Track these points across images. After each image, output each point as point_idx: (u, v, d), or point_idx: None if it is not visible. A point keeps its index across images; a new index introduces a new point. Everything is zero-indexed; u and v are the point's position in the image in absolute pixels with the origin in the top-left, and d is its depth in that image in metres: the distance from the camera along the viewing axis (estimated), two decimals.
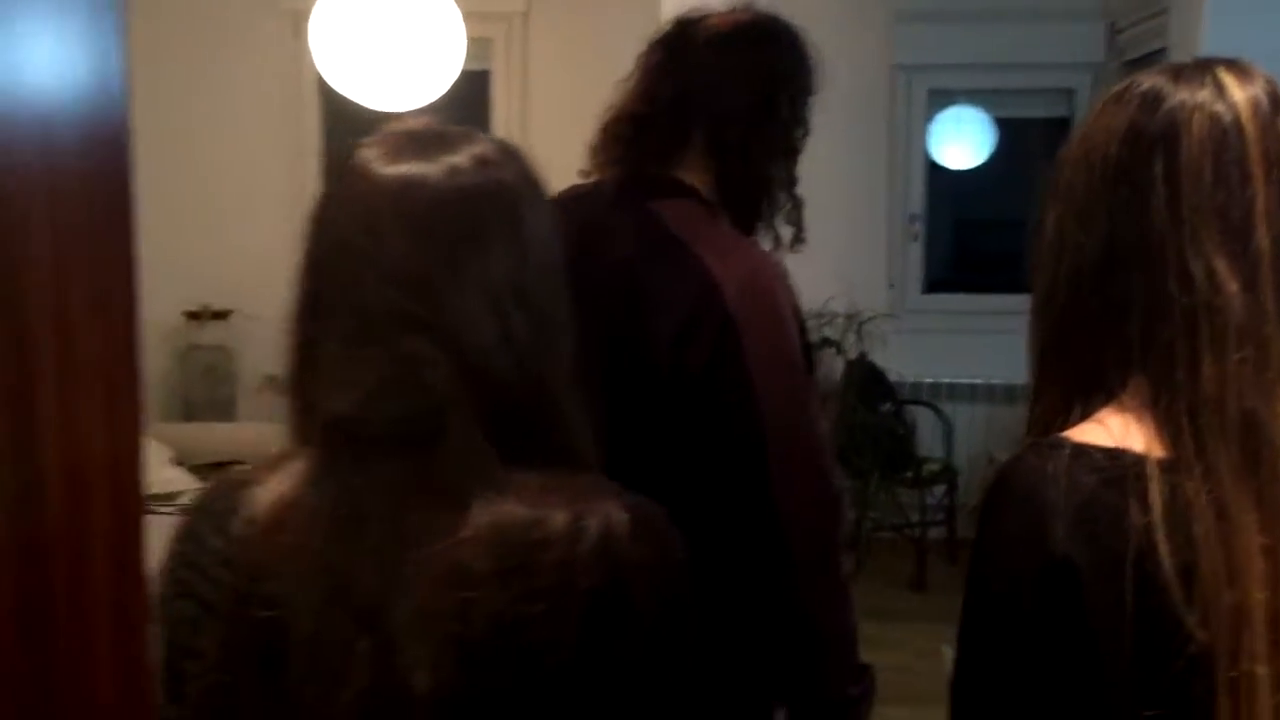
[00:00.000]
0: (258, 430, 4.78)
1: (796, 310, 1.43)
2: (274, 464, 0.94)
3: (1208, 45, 4.05)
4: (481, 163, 0.92)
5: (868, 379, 4.66)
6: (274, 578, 0.87)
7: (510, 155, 0.96)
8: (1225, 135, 0.90)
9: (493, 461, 0.87)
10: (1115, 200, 0.92)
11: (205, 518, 0.95)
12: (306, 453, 0.91)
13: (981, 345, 5.19)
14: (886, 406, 4.82)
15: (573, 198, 1.50)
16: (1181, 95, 0.92)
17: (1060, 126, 5.39)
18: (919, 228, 5.28)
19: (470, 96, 5.35)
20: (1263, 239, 0.88)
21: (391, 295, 0.88)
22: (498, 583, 0.84)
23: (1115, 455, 0.87)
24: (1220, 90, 0.91)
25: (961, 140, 5.38)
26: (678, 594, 0.90)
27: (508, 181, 0.93)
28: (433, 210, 0.89)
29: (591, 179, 1.55)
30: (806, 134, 1.52)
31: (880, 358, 4.86)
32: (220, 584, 0.91)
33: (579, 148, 5.66)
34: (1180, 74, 0.94)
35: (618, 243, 1.42)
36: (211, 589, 0.91)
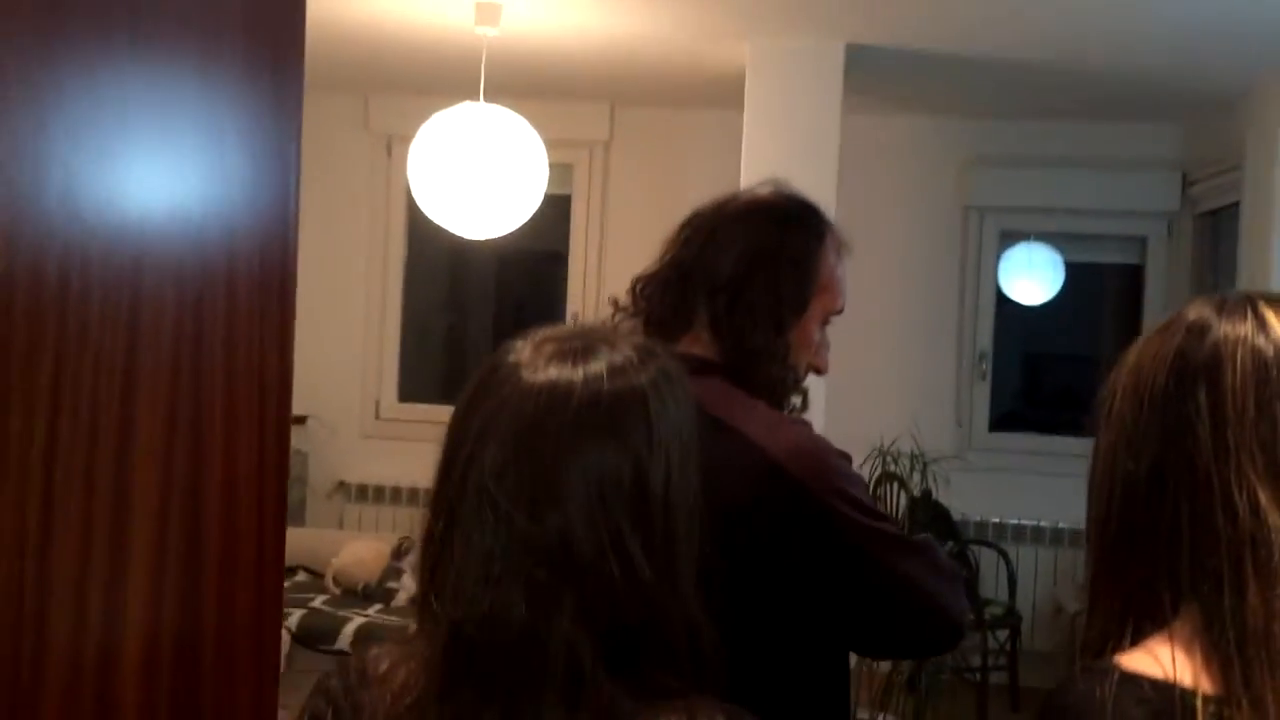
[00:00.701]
0: (324, 536, 4.85)
1: (854, 471, 1.49)
2: (400, 652, 0.98)
3: None
4: (619, 371, 0.97)
5: (932, 518, 4.63)
6: None
7: (648, 359, 1.00)
8: (1266, 369, 0.93)
9: (601, 682, 0.90)
10: (1163, 429, 0.94)
11: (333, 708, 1.00)
12: (428, 642, 0.95)
13: (1049, 486, 5.14)
14: (950, 546, 4.76)
15: None
16: (1224, 328, 0.95)
17: (1132, 273, 5.41)
18: (987, 366, 5.29)
19: (551, 219, 5.52)
20: None
21: (519, 513, 0.92)
22: None
23: (1164, 688, 0.88)
24: (1262, 324, 0.95)
25: (1032, 276, 5.43)
26: None
27: (642, 387, 0.97)
28: (568, 420, 0.94)
29: None
30: (799, 309, 1.53)
31: (944, 496, 4.83)
32: None
33: None
34: (1224, 306, 0.98)
35: None
36: None
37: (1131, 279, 5.43)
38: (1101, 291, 6.10)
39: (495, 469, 0.92)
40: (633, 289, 1.59)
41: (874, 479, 4.56)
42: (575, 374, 0.95)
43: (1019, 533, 5.16)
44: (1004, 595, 4.99)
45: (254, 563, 1.15)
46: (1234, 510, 0.90)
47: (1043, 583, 5.14)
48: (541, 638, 0.89)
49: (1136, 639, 0.93)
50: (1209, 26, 3.54)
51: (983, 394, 5.31)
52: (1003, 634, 4.85)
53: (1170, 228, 5.17)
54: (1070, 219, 5.27)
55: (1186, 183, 5.05)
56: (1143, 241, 5.26)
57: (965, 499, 4.92)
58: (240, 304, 1.12)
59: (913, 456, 4.57)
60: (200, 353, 1.07)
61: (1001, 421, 5.41)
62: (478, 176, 3.33)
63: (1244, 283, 4.36)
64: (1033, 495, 5.14)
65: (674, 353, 1.10)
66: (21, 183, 0.92)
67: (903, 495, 4.61)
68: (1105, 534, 0.97)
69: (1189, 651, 0.90)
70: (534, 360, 0.97)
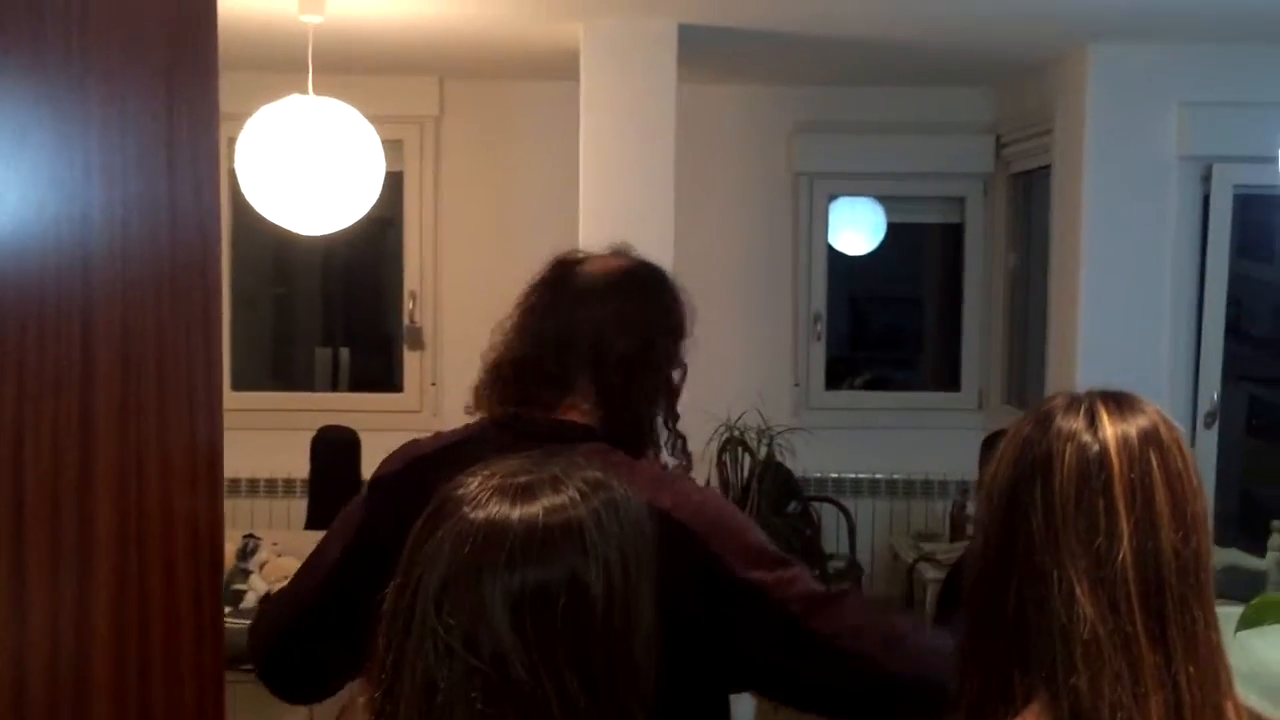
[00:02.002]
0: None
1: (745, 519, 1.50)
2: None
3: (1089, 164, 4.32)
4: (557, 509, 0.99)
5: (775, 479, 4.77)
6: None
7: (593, 493, 1.02)
8: (1089, 466, 0.99)
9: None
10: (1005, 518, 1.01)
11: None
12: None
13: (881, 439, 5.37)
14: (793, 506, 4.93)
15: (459, 443, 1.54)
16: (1060, 423, 1.01)
17: (954, 232, 5.65)
18: (821, 328, 5.45)
19: (384, 196, 5.39)
20: (1127, 564, 0.96)
21: (456, 642, 0.94)
22: None
23: None
24: (1093, 422, 1.01)
25: (856, 228, 5.63)
26: None
27: (580, 519, 0.99)
28: (503, 556, 0.96)
29: (475, 419, 1.59)
30: (684, 373, 1.58)
31: (786, 455, 4.98)
32: None
33: (489, 246, 5.74)
34: (1070, 403, 1.04)
35: None
36: None
37: (954, 237, 5.67)
38: (924, 249, 6.37)
39: (435, 601, 0.95)
40: (493, 366, 1.57)
41: (720, 448, 4.67)
42: (512, 513, 0.98)
43: (856, 486, 5.38)
44: (845, 548, 5.21)
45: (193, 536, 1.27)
46: (1059, 600, 0.96)
47: (879, 532, 5.38)
48: None
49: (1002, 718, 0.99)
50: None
51: (818, 355, 5.48)
52: (845, 585, 5.06)
53: (986, 188, 5.41)
54: (893, 182, 5.46)
55: (999, 144, 5.28)
56: (961, 201, 5.49)
57: (804, 457, 5.09)
58: (182, 307, 1.23)
59: (759, 431, 4.69)
60: (142, 364, 1.19)
61: (831, 366, 5.58)
62: (309, 173, 3.23)
63: (1057, 242, 4.62)
64: (866, 449, 5.36)
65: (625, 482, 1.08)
66: None
67: (747, 459, 4.74)
68: (970, 613, 1.03)
69: None
70: (478, 496, 1.00)
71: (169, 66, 1.21)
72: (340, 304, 6.52)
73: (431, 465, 1.50)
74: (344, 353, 5.90)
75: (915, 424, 5.39)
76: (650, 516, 1.40)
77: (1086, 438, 1.00)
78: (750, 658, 1.42)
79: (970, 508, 5.00)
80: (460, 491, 1.01)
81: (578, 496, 1.00)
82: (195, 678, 1.27)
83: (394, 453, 1.60)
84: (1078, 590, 0.96)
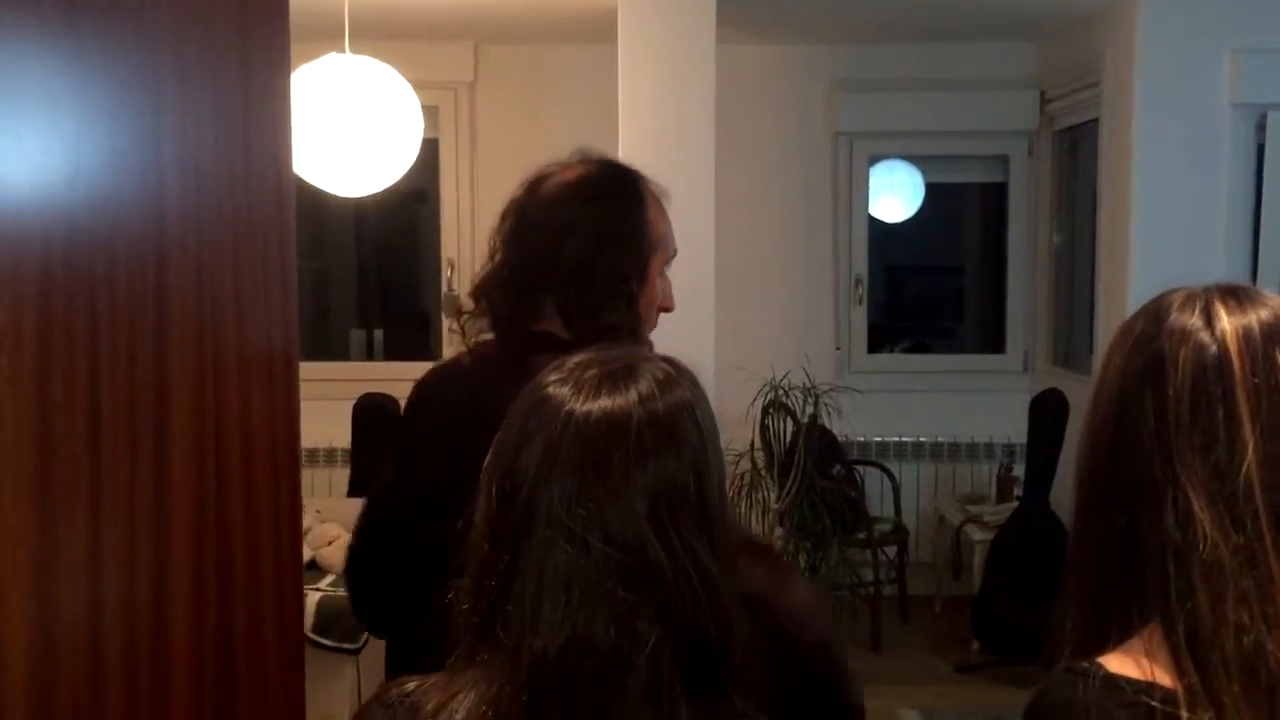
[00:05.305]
0: None
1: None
2: (449, 686, 0.96)
3: (1139, 115, 4.21)
4: (665, 385, 0.98)
5: (819, 442, 4.72)
6: None
7: (679, 368, 1.02)
8: (1206, 370, 0.89)
9: (677, 699, 0.92)
10: (1114, 432, 0.92)
11: None
12: (492, 674, 0.94)
13: (925, 402, 5.30)
14: (837, 469, 4.88)
15: (466, 368, 1.59)
16: (1172, 322, 0.91)
17: (997, 191, 5.55)
18: (863, 291, 5.38)
19: (419, 163, 5.36)
20: (1253, 476, 0.87)
21: (595, 537, 0.92)
22: None
23: (1144, 689, 0.87)
24: (1209, 318, 0.91)
25: (894, 193, 5.53)
26: None
27: (688, 399, 0.99)
28: (632, 442, 0.94)
29: (468, 349, 1.62)
30: (643, 277, 1.56)
31: (831, 416, 4.93)
32: None
33: None
34: (1186, 299, 0.94)
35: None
36: None
37: (996, 196, 5.57)
38: (966, 209, 6.27)
39: (565, 500, 0.93)
40: (474, 292, 1.60)
41: (764, 409, 4.63)
42: (629, 397, 0.96)
43: (900, 450, 5.31)
44: (890, 511, 5.15)
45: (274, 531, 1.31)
46: (1179, 519, 0.88)
47: (924, 496, 5.31)
48: (629, 656, 0.91)
49: (1118, 642, 0.92)
50: None
51: (860, 317, 5.41)
52: (891, 550, 5.01)
53: (1030, 145, 5.30)
54: (935, 141, 5.37)
55: (1044, 100, 5.17)
56: (1005, 160, 5.39)
57: (848, 421, 5.03)
58: (247, 252, 1.26)
59: (805, 390, 4.64)
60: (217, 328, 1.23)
61: (870, 334, 5.51)
62: (347, 132, 3.19)
63: (1105, 196, 4.52)
64: (910, 412, 5.29)
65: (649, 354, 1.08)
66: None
67: (789, 422, 4.69)
68: (1084, 532, 0.95)
69: (1166, 653, 0.88)
70: (582, 391, 0.97)
71: (242, 24, 1.26)
72: (374, 284, 6.52)
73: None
74: (378, 334, 5.91)
75: (960, 387, 5.32)
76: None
77: (1203, 337, 0.90)
78: None
79: (1017, 470, 4.94)
80: (555, 390, 0.97)
81: (673, 371, 1.00)
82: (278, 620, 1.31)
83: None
84: (1195, 506, 0.87)
